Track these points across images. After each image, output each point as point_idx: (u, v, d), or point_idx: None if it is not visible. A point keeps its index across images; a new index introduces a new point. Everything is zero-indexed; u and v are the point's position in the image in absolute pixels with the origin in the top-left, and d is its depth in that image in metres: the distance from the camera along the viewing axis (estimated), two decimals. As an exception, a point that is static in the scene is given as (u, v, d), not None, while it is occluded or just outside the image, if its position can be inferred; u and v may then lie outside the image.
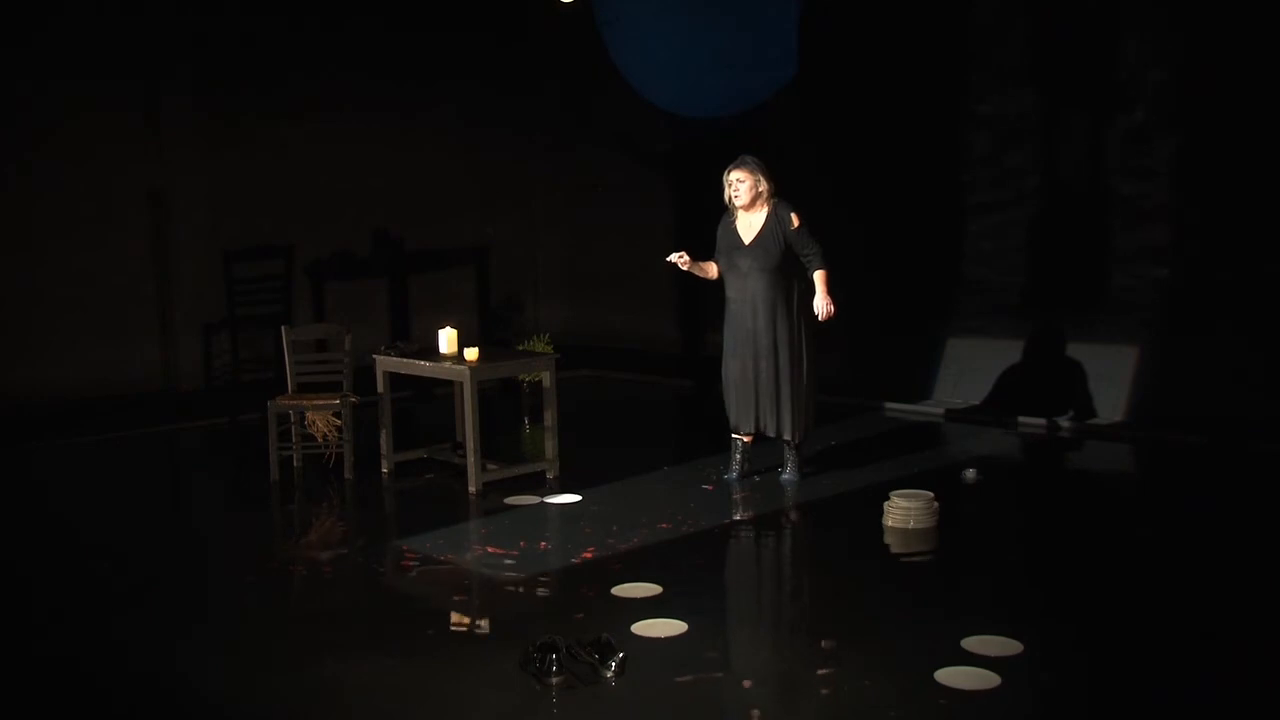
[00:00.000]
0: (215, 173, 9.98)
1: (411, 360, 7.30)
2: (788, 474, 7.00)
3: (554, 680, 4.28)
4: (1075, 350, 8.49)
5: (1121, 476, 7.67)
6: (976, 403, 8.78)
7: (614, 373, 10.85)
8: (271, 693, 4.42)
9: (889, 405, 9.04)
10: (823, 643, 4.69)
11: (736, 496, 6.82)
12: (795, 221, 6.65)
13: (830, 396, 8.92)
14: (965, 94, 9.03)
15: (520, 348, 9.05)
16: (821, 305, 6.68)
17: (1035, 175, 8.79)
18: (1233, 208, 7.92)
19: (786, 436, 6.87)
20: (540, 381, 7.69)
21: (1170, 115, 8.13)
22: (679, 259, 6.76)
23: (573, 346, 9.72)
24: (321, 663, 4.59)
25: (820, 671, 4.42)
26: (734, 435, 7.03)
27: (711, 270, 6.93)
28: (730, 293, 6.84)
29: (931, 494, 6.16)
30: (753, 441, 7.04)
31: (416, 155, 10.94)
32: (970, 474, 6.98)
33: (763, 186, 6.67)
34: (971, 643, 4.55)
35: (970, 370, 8.96)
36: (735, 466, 7.05)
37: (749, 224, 6.73)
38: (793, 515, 6.55)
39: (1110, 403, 8.27)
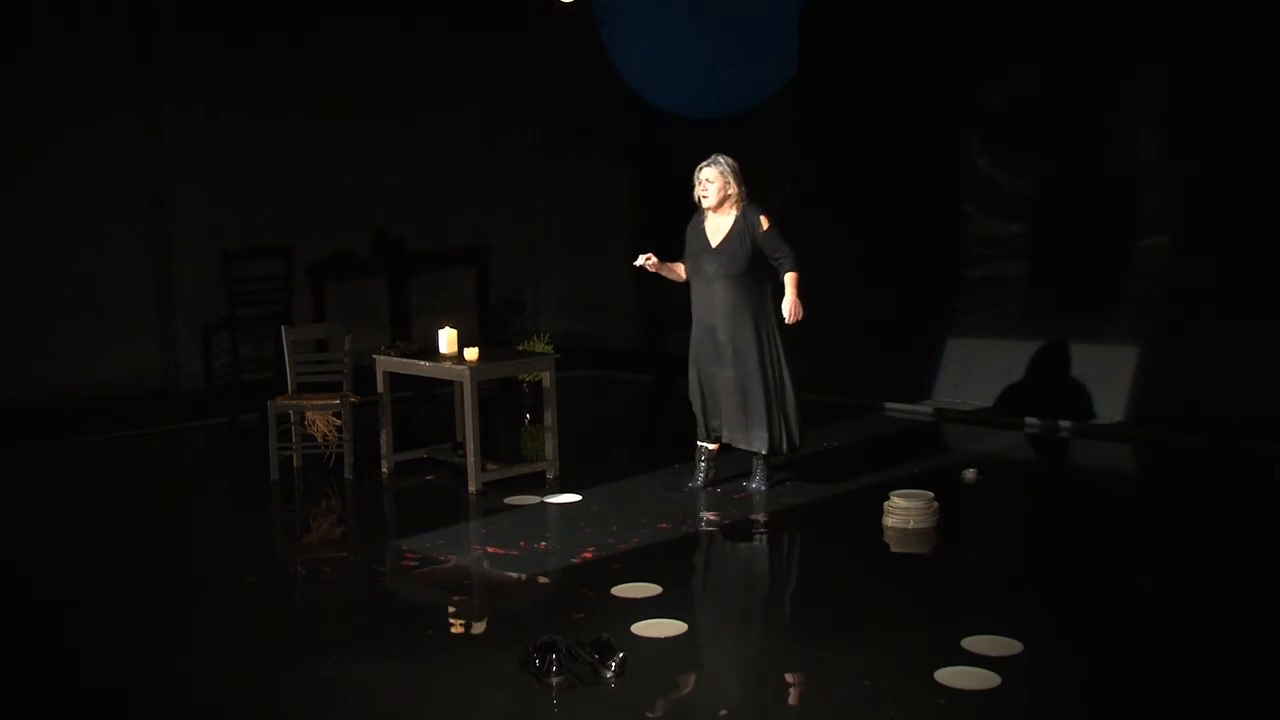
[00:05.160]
0: (215, 173, 9.97)
1: (411, 360, 7.29)
2: (755, 484, 6.80)
3: (554, 680, 4.28)
4: (1075, 350, 8.49)
5: (1121, 476, 7.68)
6: (976, 403, 8.78)
7: (614, 373, 10.84)
8: (271, 693, 4.41)
9: (889, 405, 9.04)
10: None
11: (736, 497, 6.81)
12: (764, 224, 6.40)
13: (830, 396, 8.96)
14: (965, 94, 9.03)
15: (520, 348, 9.05)
16: (789, 308, 6.40)
17: (1036, 175, 8.79)
18: (1233, 208, 7.91)
19: (757, 448, 6.66)
20: (540, 381, 7.69)
21: (1170, 115, 8.13)
22: (645, 260, 6.56)
23: (572, 346, 9.72)
24: (321, 663, 4.59)
25: (821, 671, 4.43)
26: (699, 443, 6.86)
27: (680, 272, 6.71)
28: (694, 297, 6.62)
29: (931, 494, 6.16)
30: (718, 451, 6.86)
31: (416, 155, 10.93)
32: (970, 474, 6.98)
33: (732, 189, 6.44)
34: (971, 643, 4.55)
35: (970, 370, 8.95)
36: (700, 475, 6.86)
37: (717, 226, 6.50)
38: (792, 516, 6.54)
39: (1110, 403, 8.27)
